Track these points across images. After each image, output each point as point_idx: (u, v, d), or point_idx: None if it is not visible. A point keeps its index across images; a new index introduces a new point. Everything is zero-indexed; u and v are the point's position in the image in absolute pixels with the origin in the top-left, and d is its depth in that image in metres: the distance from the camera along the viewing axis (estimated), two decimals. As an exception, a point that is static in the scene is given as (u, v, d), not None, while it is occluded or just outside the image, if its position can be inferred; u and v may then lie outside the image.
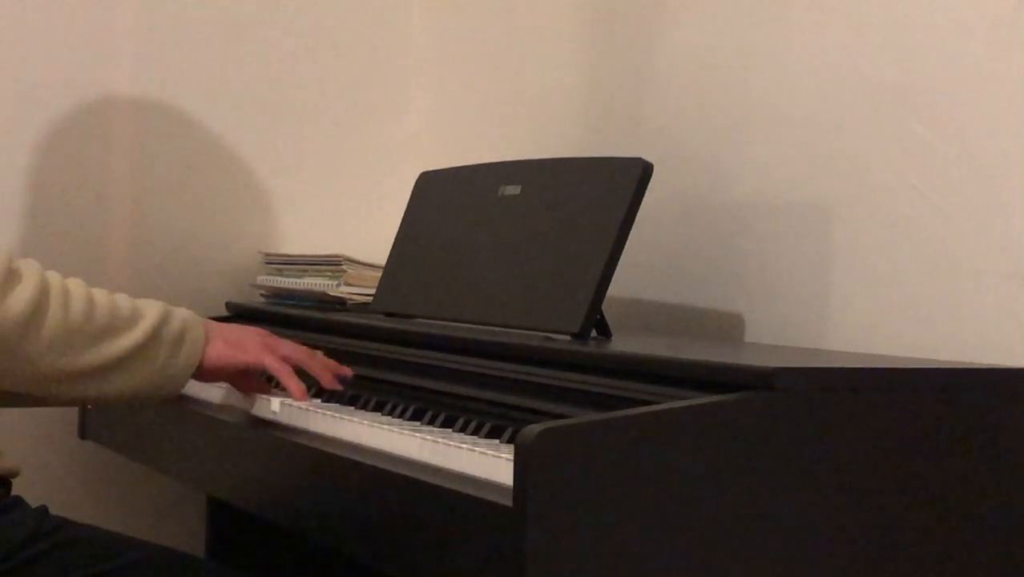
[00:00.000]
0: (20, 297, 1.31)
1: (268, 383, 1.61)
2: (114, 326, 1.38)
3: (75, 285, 1.38)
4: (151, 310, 1.42)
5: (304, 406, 1.47)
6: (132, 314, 1.40)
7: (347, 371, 1.56)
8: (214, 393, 1.66)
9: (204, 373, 1.47)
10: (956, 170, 1.50)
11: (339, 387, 1.54)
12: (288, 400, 1.50)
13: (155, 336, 1.40)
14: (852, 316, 1.62)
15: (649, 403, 1.15)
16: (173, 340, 1.42)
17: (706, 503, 1.10)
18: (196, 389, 1.72)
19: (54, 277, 1.36)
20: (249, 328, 1.56)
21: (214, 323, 1.50)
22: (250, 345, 1.49)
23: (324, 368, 1.54)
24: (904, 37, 1.57)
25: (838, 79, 1.65)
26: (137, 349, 1.39)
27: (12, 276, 1.32)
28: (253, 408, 1.56)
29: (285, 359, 1.50)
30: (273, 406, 1.52)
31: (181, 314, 1.45)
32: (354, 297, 2.03)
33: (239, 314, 2.14)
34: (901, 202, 1.56)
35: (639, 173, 1.53)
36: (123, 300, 1.42)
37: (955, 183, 1.50)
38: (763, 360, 1.23)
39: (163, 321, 1.42)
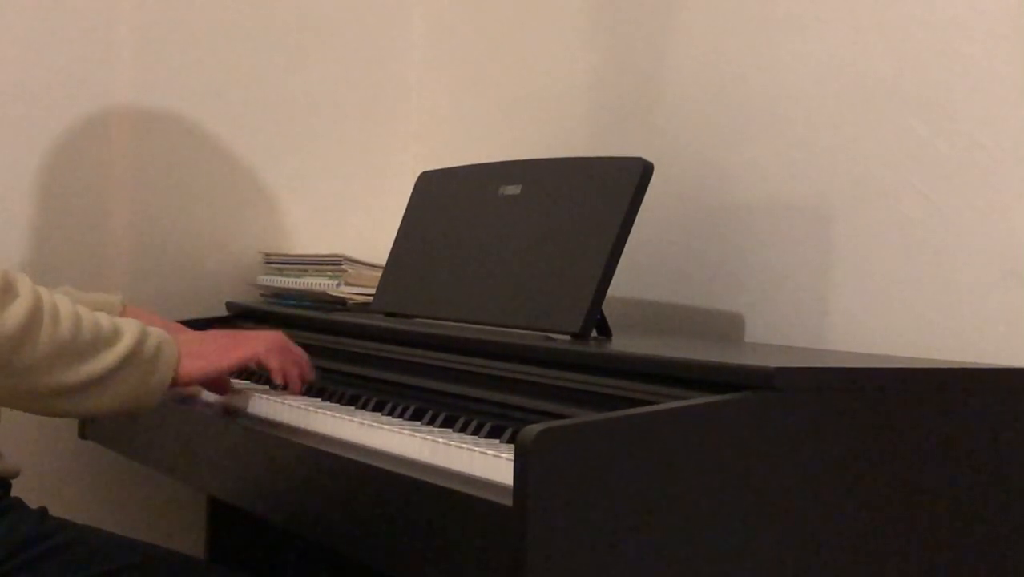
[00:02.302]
0: (16, 312, 1.33)
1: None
2: (99, 343, 1.41)
3: (62, 302, 1.40)
4: (129, 328, 1.45)
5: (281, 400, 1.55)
6: (113, 332, 1.43)
7: (297, 382, 1.61)
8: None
9: (177, 385, 1.52)
10: (956, 170, 1.50)
11: (296, 385, 1.62)
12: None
13: (135, 352, 1.43)
14: (852, 316, 1.62)
15: (649, 403, 1.15)
16: (151, 356, 1.45)
17: (706, 503, 1.10)
18: (196, 389, 1.72)
19: (45, 293, 1.39)
20: (211, 333, 1.63)
21: (183, 337, 1.55)
22: (215, 353, 1.55)
23: (280, 369, 1.60)
24: (904, 37, 1.57)
25: (838, 79, 1.65)
26: (120, 365, 1.42)
27: (9, 291, 1.33)
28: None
29: (250, 357, 1.58)
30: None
31: (156, 332, 1.49)
32: (354, 297, 2.03)
33: (239, 314, 2.14)
34: (901, 202, 1.56)
35: (639, 173, 1.53)
36: (104, 318, 1.44)
37: (955, 183, 1.50)
38: (763, 360, 1.23)
39: (142, 338, 1.45)
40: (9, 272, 1.35)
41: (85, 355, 1.39)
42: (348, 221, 2.40)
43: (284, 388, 1.62)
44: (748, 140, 1.77)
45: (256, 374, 1.75)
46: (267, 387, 1.67)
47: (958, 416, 1.26)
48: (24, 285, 1.36)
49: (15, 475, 1.57)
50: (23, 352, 1.34)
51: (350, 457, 1.30)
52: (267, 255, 2.25)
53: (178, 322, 1.84)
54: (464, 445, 1.21)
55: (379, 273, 1.91)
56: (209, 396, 1.68)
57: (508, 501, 1.05)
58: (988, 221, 1.47)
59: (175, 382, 1.49)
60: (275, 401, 1.55)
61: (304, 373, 1.62)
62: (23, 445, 2.01)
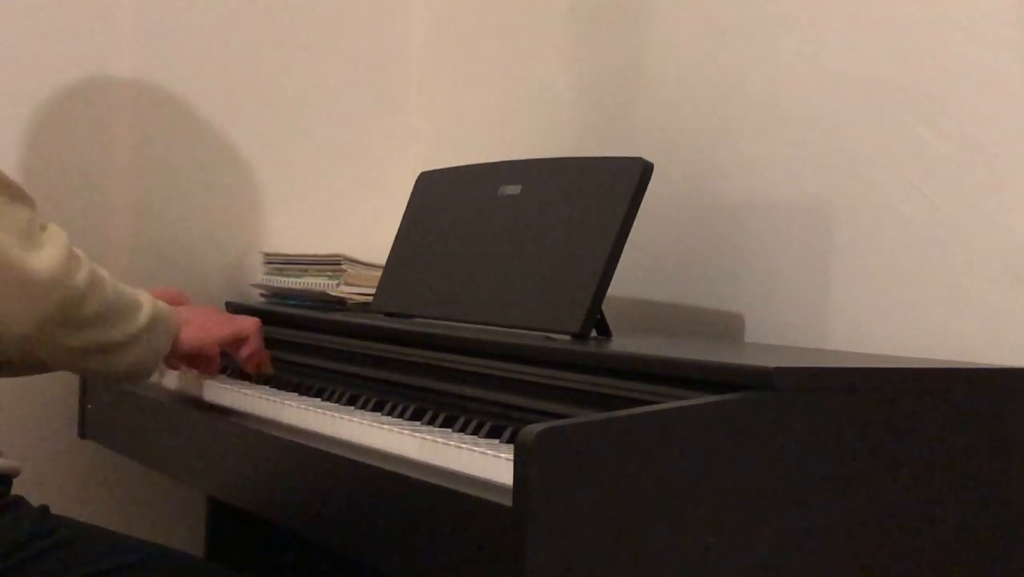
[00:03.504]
0: (81, 276, 1.44)
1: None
2: (132, 305, 1.53)
3: (102, 269, 1.52)
4: (143, 295, 1.56)
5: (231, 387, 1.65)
6: (135, 298, 1.54)
7: (266, 369, 1.74)
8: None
9: (173, 353, 1.61)
10: (956, 170, 1.50)
11: (253, 371, 1.74)
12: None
13: (154, 317, 1.55)
14: (852, 316, 1.62)
15: (649, 403, 1.15)
16: (162, 321, 1.57)
17: (706, 503, 1.10)
18: (196, 388, 1.72)
19: (91, 261, 1.50)
20: (202, 308, 1.73)
21: (180, 308, 1.65)
22: (210, 324, 1.67)
23: (249, 357, 1.71)
24: (904, 37, 1.57)
25: (838, 79, 1.65)
26: (145, 328, 1.53)
27: (75, 257, 1.44)
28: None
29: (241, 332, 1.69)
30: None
31: (161, 303, 1.59)
32: (354, 297, 2.03)
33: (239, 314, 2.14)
34: (901, 202, 1.56)
35: (639, 173, 1.53)
36: (126, 286, 1.55)
37: (955, 183, 1.50)
38: (763, 360, 1.23)
39: (155, 304, 1.57)
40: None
41: (125, 315, 1.51)
42: (348, 221, 2.40)
43: (241, 376, 1.73)
44: (748, 140, 1.77)
45: (241, 372, 1.75)
46: (266, 385, 1.67)
47: (958, 416, 1.26)
48: (81, 253, 1.47)
49: (16, 473, 1.57)
50: (85, 309, 1.44)
51: (350, 457, 1.30)
52: (267, 255, 2.25)
53: None
54: (464, 445, 1.21)
55: (379, 273, 1.91)
56: (212, 393, 1.68)
57: (508, 501, 1.05)
58: (988, 221, 1.47)
59: (173, 349, 1.59)
60: (275, 401, 1.55)
61: (264, 366, 1.74)
62: (23, 444, 2.02)
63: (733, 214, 1.79)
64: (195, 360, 1.69)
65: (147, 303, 1.55)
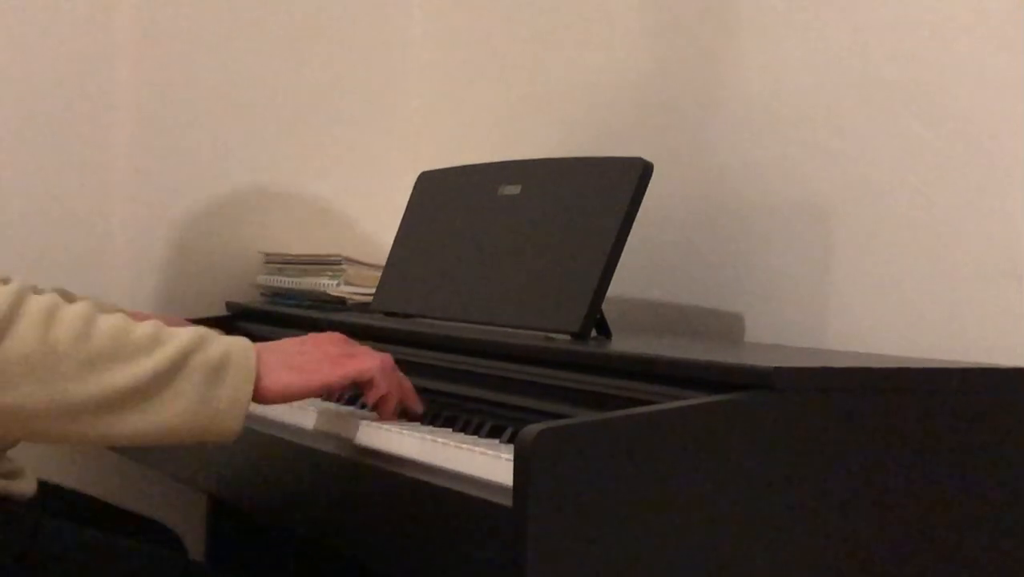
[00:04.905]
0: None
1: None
2: (119, 352, 1.19)
3: (73, 308, 1.20)
4: (179, 337, 1.22)
5: (390, 428, 1.33)
6: (151, 341, 1.21)
7: (418, 407, 1.41)
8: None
9: (268, 402, 1.28)
10: (956, 170, 1.50)
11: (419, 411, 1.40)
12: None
13: (180, 364, 1.20)
14: (852, 316, 1.62)
15: (649, 403, 1.15)
16: (210, 369, 1.21)
17: (706, 503, 1.10)
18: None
19: (38, 299, 1.19)
20: (321, 338, 1.35)
21: (276, 345, 1.30)
22: (322, 364, 1.30)
23: (386, 394, 1.36)
24: (904, 37, 1.57)
25: (838, 79, 1.65)
26: (154, 379, 1.19)
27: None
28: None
29: (362, 372, 1.33)
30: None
31: (225, 341, 1.25)
32: (354, 297, 2.03)
33: (239, 314, 2.14)
34: (901, 202, 1.56)
35: (639, 173, 1.53)
36: (147, 327, 1.22)
37: (955, 183, 1.50)
38: (763, 360, 1.23)
39: (193, 348, 1.21)
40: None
41: (95, 365, 1.18)
42: (348, 221, 2.40)
43: (373, 409, 1.38)
44: (748, 140, 1.77)
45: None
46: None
47: (958, 416, 1.26)
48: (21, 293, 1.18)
49: (30, 495, 1.56)
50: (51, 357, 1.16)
51: (349, 457, 1.30)
52: (267, 255, 2.25)
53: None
54: (464, 445, 1.21)
55: (379, 273, 1.91)
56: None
57: (508, 501, 1.05)
58: (987, 221, 1.47)
59: (263, 397, 1.25)
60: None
61: (409, 402, 1.39)
62: (22, 445, 2.01)
63: (733, 214, 1.79)
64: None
65: (177, 345, 1.20)
